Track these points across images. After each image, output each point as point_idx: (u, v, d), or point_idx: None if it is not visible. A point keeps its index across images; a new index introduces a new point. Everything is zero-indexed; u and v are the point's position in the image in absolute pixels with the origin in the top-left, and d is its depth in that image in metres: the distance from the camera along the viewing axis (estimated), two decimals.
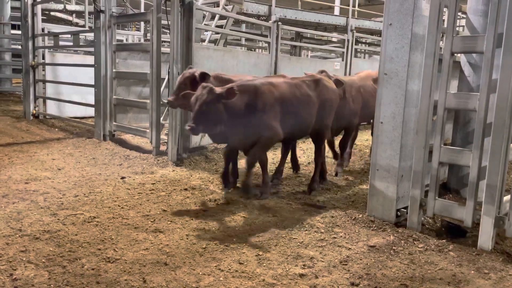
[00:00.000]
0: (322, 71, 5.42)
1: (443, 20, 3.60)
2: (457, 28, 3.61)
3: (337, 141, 6.09)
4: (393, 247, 3.41)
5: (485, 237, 3.38)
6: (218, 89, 4.02)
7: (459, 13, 6.51)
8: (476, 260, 3.21)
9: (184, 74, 4.93)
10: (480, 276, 2.98)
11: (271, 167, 5.90)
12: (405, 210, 3.88)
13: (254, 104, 4.22)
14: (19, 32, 10.68)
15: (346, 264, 3.12)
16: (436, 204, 3.64)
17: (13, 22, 13.47)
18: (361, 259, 3.20)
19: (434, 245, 3.47)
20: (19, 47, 11.30)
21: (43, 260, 2.96)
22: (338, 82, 5.20)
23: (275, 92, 4.36)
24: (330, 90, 4.88)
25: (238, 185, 4.85)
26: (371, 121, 6.56)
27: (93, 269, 2.88)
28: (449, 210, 3.61)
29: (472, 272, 3.03)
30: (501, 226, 3.36)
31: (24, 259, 2.96)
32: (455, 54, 3.71)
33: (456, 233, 3.68)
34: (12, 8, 13.27)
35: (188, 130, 3.92)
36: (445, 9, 3.57)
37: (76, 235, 3.40)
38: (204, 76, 4.76)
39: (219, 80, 4.96)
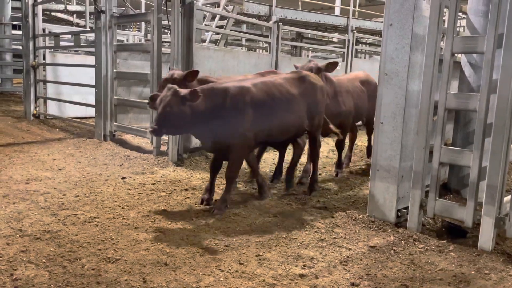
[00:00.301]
0: (310, 61, 5.29)
1: (444, 21, 3.60)
2: (457, 29, 3.61)
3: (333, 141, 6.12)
4: (394, 248, 3.41)
5: (486, 237, 3.37)
6: (182, 91, 3.83)
7: (460, 14, 6.51)
8: (477, 260, 3.21)
9: (165, 76, 4.83)
10: (480, 277, 2.98)
11: (272, 167, 5.91)
12: (405, 211, 3.88)
13: (223, 108, 3.98)
14: (20, 32, 10.69)
15: (347, 265, 3.12)
16: (437, 204, 3.64)
17: (14, 23, 13.48)
18: (361, 260, 3.20)
19: (435, 245, 3.46)
20: (20, 47, 11.30)
21: (44, 260, 2.96)
22: (332, 65, 5.08)
23: (247, 96, 4.07)
24: (317, 87, 4.62)
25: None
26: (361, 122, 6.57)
27: (93, 269, 2.88)
28: (449, 211, 3.61)
29: (473, 272, 3.03)
30: (501, 227, 3.35)
31: (24, 259, 2.96)
32: (456, 55, 3.71)
33: (457, 234, 3.68)
34: (13, 9, 13.28)
35: (150, 131, 3.83)
36: (445, 10, 3.57)
37: (76, 235, 3.41)
38: (186, 77, 4.59)
39: (205, 82, 4.71)
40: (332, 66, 5.14)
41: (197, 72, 4.73)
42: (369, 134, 6.51)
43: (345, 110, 5.45)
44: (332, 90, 5.26)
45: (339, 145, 5.78)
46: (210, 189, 4.38)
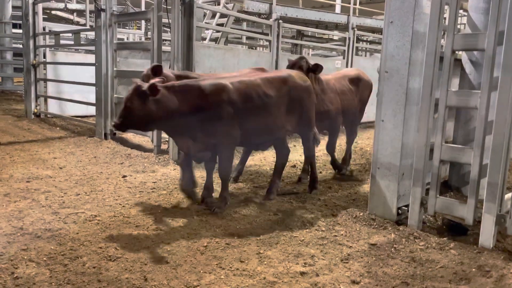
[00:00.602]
0: (301, 58, 5.02)
1: (444, 18, 3.59)
2: (458, 26, 3.60)
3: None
4: (394, 245, 3.41)
5: (487, 235, 3.37)
6: (144, 86, 3.65)
7: (460, 11, 6.49)
8: (478, 258, 3.21)
9: (143, 73, 4.61)
10: (481, 274, 2.98)
11: (272, 165, 5.90)
12: (406, 208, 3.87)
13: (197, 106, 3.79)
14: (20, 31, 10.68)
15: (347, 262, 3.12)
16: (437, 202, 3.64)
17: (14, 21, 13.48)
18: (362, 257, 3.20)
19: (435, 243, 3.46)
20: (20, 46, 11.30)
21: (44, 259, 2.97)
22: (318, 67, 4.91)
23: (223, 94, 3.86)
24: (301, 87, 4.36)
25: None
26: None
27: (94, 267, 2.88)
28: (450, 208, 3.60)
29: (473, 270, 3.03)
30: (502, 224, 3.35)
31: (25, 257, 2.97)
32: (456, 52, 3.70)
33: (457, 231, 3.68)
34: (13, 7, 13.27)
35: (112, 126, 3.77)
36: (446, 7, 3.56)
37: (77, 233, 3.41)
38: (156, 71, 4.27)
39: (185, 78, 4.42)
40: (318, 68, 4.93)
41: (159, 66, 4.37)
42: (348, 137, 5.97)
43: (332, 109, 5.16)
44: (320, 89, 5.03)
45: (330, 149, 5.54)
46: (208, 186, 4.33)
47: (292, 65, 4.95)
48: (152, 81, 3.79)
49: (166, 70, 4.43)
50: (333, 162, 5.70)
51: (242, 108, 3.95)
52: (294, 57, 5.55)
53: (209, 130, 3.87)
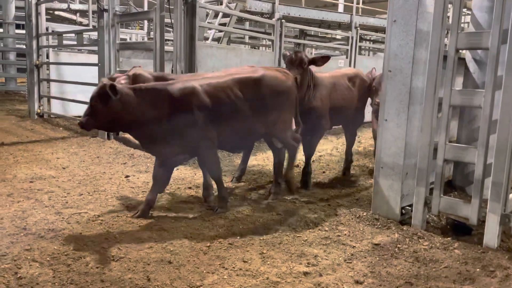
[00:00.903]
0: (297, 52, 4.67)
1: (448, 17, 3.58)
2: (462, 25, 3.59)
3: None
4: (398, 245, 3.39)
5: (491, 234, 3.35)
6: (109, 85, 3.51)
7: (464, 9, 6.47)
8: (482, 258, 3.19)
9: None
10: (485, 274, 2.96)
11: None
12: (409, 208, 3.86)
13: (165, 109, 3.66)
14: (24, 31, 10.71)
15: (351, 262, 3.11)
16: (441, 201, 3.62)
17: (17, 22, 13.54)
18: (365, 257, 3.19)
19: (439, 243, 3.45)
20: (24, 46, 11.34)
21: (48, 259, 2.97)
22: (323, 59, 4.67)
23: (191, 97, 3.72)
24: (277, 87, 4.11)
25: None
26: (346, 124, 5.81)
27: (97, 267, 2.88)
28: (454, 208, 3.59)
29: (478, 270, 3.01)
30: (506, 224, 3.33)
31: (28, 257, 2.97)
32: (460, 51, 3.68)
33: (462, 231, 3.66)
34: (16, 8, 13.32)
35: (78, 124, 3.70)
36: (449, 5, 3.54)
37: (80, 233, 3.41)
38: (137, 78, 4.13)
39: (162, 80, 4.24)
40: (322, 60, 4.70)
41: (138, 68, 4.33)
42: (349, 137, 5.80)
43: (319, 107, 4.89)
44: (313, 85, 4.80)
45: (307, 150, 5.15)
46: (207, 187, 4.34)
47: (290, 61, 4.66)
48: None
49: (143, 71, 4.35)
50: (305, 168, 5.11)
51: (212, 110, 3.79)
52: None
53: (179, 134, 3.73)
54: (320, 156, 6.64)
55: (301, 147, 4.93)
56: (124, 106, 3.54)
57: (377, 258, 3.18)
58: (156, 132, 3.70)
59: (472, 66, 4.48)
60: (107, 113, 3.55)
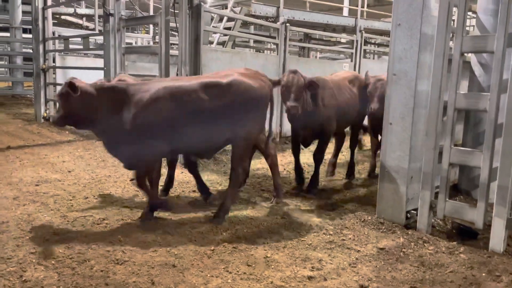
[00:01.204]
0: (294, 72, 4.47)
1: (453, 20, 3.57)
2: (467, 28, 3.58)
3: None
4: (403, 249, 3.38)
5: (497, 239, 3.33)
6: (72, 84, 3.58)
7: (469, 13, 6.45)
8: (488, 262, 3.17)
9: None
10: (491, 279, 2.94)
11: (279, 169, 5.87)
12: (415, 212, 3.84)
13: (119, 110, 3.64)
14: (30, 36, 10.81)
15: (355, 267, 3.09)
16: (447, 205, 3.60)
17: (24, 26, 13.63)
18: (370, 262, 3.18)
19: (445, 247, 3.42)
20: (30, 50, 11.44)
21: (53, 262, 2.98)
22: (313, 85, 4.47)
23: (147, 99, 3.65)
24: (247, 94, 3.85)
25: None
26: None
27: (102, 270, 2.89)
28: (459, 212, 3.57)
29: (484, 274, 2.99)
30: None
31: (34, 260, 2.99)
32: (465, 54, 3.67)
33: (467, 235, 3.64)
34: (23, 12, 13.43)
35: (51, 121, 3.84)
36: (454, 9, 3.53)
37: (85, 237, 3.42)
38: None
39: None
40: (313, 87, 4.51)
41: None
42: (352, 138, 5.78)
43: (325, 114, 4.80)
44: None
45: (317, 158, 5.01)
46: (201, 188, 4.43)
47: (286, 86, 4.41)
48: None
49: (128, 77, 4.37)
50: (314, 174, 5.00)
51: (166, 113, 3.68)
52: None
53: (126, 135, 3.68)
54: (324, 159, 6.60)
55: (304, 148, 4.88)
56: (83, 103, 3.62)
57: (382, 263, 3.16)
58: (110, 131, 3.72)
59: (477, 69, 4.46)
60: (70, 110, 3.66)
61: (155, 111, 3.66)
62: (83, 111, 3.64)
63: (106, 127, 3.71)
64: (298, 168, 5.10)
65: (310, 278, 2.90)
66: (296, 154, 5.08)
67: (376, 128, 5.54)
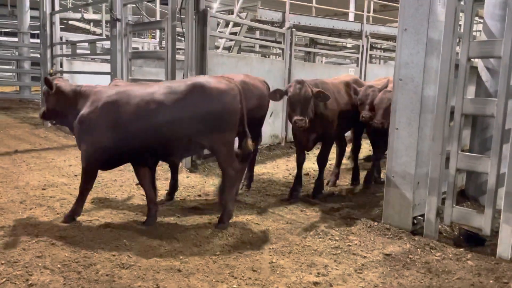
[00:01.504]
0: (300, 82, 4.31)
1: (460, 25, 3.56)
2: (473, 33, 3.56)
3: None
4: (410, 256, 3.35)
5: (505, 245, 3.29)
6: (53, 82, 3.99)
7: (476, 18, 6.43)
8: (495, 269, 3.13)
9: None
10: (499, 286, 2.91)
11: (285, 173, 5.86)
12: (421, 218, 3.81)
13: (79, 111, 3.81)
14: (38, 41, 10.91)
15: (361, 273, 3.07)
16: (454, 211, 3.57)
17: (32, 31, 13.78)
18: (376, 268, 3.16)
19: (452, 253, 3.40)
20: (38, 55, 11.54)
21: (59, 266, 2.99)
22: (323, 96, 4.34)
23: (106, 102, 3.70)
24: (214, 98, 3.75)
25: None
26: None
27: (107, 275, 2.89)
28: (467, 218, 3.54)
29: (491, 281, 2.96)
30: None
31: (40, 264, 2.99)
32: (472, 59, 3.66)
33: (475, 242, 3.60)
34: (31, 18, 13.58)
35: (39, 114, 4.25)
36: (461, 14, 3.52)
37: (91, 241, 3.43)
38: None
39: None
40: (323, 97, 4.38)
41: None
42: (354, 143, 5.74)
43: (327, 118, 4.71)
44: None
45: (321, 161, 4.94)
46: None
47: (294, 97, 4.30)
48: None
49: (121, 81, 4.46)
50: (318, 180, 4.99)
51: (125, 119, 3.68)
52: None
53: (82, 136, 3.83)
54: (330, 164, 6.59)
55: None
56: (57, 99, 3.99)
57: (389, 269, 3.14)
58: (74, 129, 3.91)
59: (484, 74, 4.44)
60: (48, 105, 4.07)
61: (100, 114, 3.73)
62: (58, 107, 4.02)
63: (72, 125, 3.94)
64: (298, 178, 4.90)
65: (315, 284, 2.89)
66: (300, 163, 4.90)
67: (371, 137, 5.43)
